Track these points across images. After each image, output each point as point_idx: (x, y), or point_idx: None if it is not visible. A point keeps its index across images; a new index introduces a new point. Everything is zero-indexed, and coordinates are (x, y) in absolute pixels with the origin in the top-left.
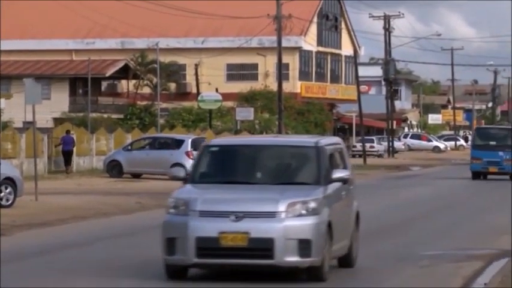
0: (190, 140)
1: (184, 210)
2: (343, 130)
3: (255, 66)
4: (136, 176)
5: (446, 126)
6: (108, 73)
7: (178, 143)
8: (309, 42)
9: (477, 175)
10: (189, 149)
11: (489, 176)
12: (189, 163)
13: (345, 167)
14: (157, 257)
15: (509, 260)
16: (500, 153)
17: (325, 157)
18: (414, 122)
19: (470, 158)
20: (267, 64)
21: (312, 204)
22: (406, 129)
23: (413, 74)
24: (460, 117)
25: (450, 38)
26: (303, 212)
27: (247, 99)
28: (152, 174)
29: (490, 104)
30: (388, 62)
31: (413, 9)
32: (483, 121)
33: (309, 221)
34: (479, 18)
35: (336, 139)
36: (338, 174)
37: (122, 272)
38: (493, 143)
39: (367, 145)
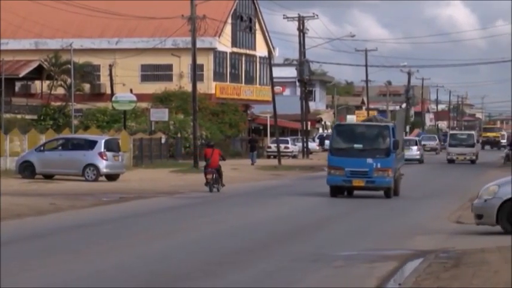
0: (103, 141)
1: None
2: (257, 131)
3: (169, 67)
4: (49, 177)
5: None
6: (22, 74)
7: (91, 144)
8: (224, 43)
9: (337, 191)
10: (102, 149)
11: (356, 192)
12: (102, 164)
13: None
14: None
15: (423, 260)
16: (369, 160)
17: None
18: (328, 123)
19: (327, 166)
20: (182, 65)
21: None
22: (320, 130)
23: (327, 75)
24: None
25: (364, 39)
26: None
27: (161, 100)
28: (65, 175)
29: (403, 105)
30: (302, 63)
31: (327, 10)
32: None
33: None
34: (392, 20)
35: None
36: None
37: (33, 273)
38: (358, 146)
39: (282, 146)
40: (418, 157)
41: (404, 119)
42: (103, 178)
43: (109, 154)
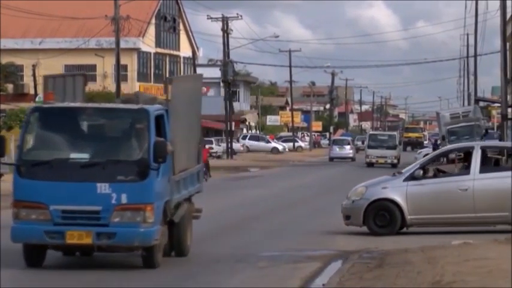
0: None
1: None
2: None
3: (93, 68)
4: None
5: (284, 128)
6: None
7: None
8: (147, 44)
9: (41, 253)
10: None
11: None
12: None
13: None
14: None
15: (346, 261)
16: (103, 185)
17: None
18: (253, 124)
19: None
20: (105, 65)
21: None
22: (244, 131)
23: (251, 75)
24: (298, 119)
25: (287, 40)
26: None
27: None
28: None
29: (327, 106)
30: (226, 64)
31: (250, 11)
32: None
33: None
34: (314, 21)
35: None
36: None
37: None
38: (80, 155)
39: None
40: (351, 155)
41: (200, 95)
42: None
43: None
